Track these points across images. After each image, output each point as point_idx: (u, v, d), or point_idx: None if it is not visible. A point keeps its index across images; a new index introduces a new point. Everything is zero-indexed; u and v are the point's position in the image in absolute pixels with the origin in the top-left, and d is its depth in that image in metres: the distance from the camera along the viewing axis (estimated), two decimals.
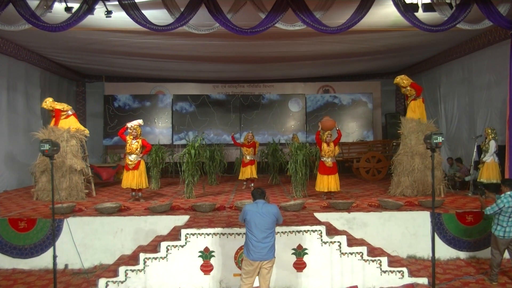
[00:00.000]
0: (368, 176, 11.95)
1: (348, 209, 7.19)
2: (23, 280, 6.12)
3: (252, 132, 10.81)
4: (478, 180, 8.76)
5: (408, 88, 8.82)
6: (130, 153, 8.29)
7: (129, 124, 8.48)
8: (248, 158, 10.31)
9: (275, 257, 4.84)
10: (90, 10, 7.22)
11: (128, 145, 8.31)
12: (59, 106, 9.18)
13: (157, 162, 10.57)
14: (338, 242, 5.96)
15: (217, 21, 7.42)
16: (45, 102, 9.21)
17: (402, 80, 8.86)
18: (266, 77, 15.42)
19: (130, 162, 8.28)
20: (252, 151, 10.33)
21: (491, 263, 5.90)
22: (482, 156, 8.82)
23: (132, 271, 5.73)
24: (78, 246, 6.29)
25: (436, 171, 7.59)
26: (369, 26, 8.59)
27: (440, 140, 4.99)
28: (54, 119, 9.18)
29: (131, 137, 8.34)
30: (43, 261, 6.59)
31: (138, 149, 8.32)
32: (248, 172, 10.25)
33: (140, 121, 8.75)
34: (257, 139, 13.73)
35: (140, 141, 8.40)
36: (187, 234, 5.92)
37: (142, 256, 5.81)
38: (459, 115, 11.97)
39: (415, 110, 8.82)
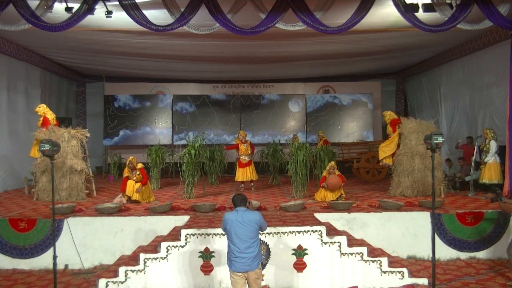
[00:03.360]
0: (368, 177, 11.94)
1: (348, 209, 7.20)
2: (23, 280, 6.13)
3: (243, 131, 10.59)
4: (479, 181, 8.76)
5: (388, 124, 9.57)
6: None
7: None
8: (246, 159, 9.96)
9: (260, 269, 4.63)
10: (90, 10, 7.21)
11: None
12: (50, 115, 9.34)
13: (157, 162, 10.57)
14: (338, 242, 5.96)
15: (217, 21, 7.42)
16: (39, 107, 9.41)
17: (387, 114, 9.60)
18: (266, 77, 15.41)
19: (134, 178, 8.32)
20: (250, 150, 10.00)
21: (510, 265, 5.79)
22: (483, 156, 8.82)
23: (132, 271, 5.73)
24: (78, 246, 6.29)
25: (436, 171, 7.57)
26: (369, 26, 8.58)
27: (440, 141, 4.96)
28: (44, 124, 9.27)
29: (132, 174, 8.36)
30: (43, 261, 6.60)
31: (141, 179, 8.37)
32: (248, 174, 9.95)
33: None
34: (257, 139, 13.67)
35: (139, 172, 8.34)
36: (187, 234, 5.92)
37: (142, 256, 5.82)
38: (459, 115, 11.96)
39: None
